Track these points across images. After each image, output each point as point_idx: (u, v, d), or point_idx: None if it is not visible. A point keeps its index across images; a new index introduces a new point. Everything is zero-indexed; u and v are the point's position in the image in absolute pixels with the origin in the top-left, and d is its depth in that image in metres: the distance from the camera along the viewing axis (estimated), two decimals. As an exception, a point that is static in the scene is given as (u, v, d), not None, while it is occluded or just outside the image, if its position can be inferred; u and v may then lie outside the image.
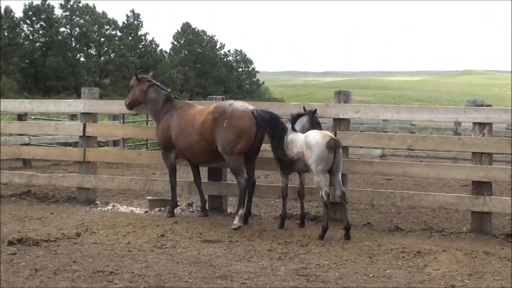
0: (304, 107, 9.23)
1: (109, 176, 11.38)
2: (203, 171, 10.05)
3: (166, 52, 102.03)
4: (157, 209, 10.34)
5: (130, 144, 23.29)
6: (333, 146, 7.92)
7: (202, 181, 9.90)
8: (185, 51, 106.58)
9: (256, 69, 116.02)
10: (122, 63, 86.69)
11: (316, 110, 9.00)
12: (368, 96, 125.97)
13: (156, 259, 6.90)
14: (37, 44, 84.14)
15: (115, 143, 21.32)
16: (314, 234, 8.24)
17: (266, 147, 9.38)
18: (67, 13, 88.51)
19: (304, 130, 8.63)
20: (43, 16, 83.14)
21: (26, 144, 17.18)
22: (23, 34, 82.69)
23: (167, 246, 7.54)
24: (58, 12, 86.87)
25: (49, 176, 11.58)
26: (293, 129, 8.73)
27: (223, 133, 8.69)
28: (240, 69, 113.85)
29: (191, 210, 10.44)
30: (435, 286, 6.08)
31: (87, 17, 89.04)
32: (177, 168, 9.96)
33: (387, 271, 6.54)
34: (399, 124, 25.47)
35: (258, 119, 8.65)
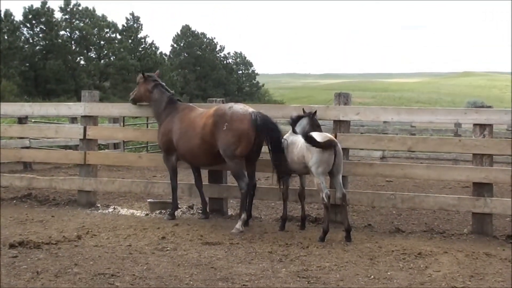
0: (303, 109, 9.23)
1: (109, 179, 11.38)
2: (203, 174, 10.05)
3: (166, 54, 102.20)
4: (157, 211, 10.34)
5: (130, 146, 23.27)
6: (328, 145, 7.91)
7: (202, 183, 9.90)
8: (185, 54, 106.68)
9: (256, 72, 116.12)
10: (122, 66, 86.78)
11: (316, 112, 9.01)
12: (368, 98, 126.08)
13: (157, 261, 6.90)
14: (37, 47, 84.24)
15: (116, 146, 21.31)
16: (314, 236, 8.24)
17: (266, 149, 9.37)
18: (66, 16, 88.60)
19: (304, 132, 8.62)
20: (43, 19, 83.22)
21: (27, 147, 17.18)
22: (23, 37, 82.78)
23: (168, 248, 7.54)
24: (57, 15, 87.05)
25: (49, 179, 11.59)
26: (294, 131, 8.73)
27: (223, 136, 8.69)
28: (240, 72, 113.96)
29: (191, 212, 10.44)
30: (436, 288, 6.09)
31: (87, 20, 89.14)
32: (178, 171, 9.96)
33: (388, 273, 6.54)
34: (399, 126, 25.47)
35: (257, 122, 8.64)
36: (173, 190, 9.79)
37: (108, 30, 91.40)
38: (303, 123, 8.85)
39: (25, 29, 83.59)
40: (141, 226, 8.90)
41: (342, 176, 8.40)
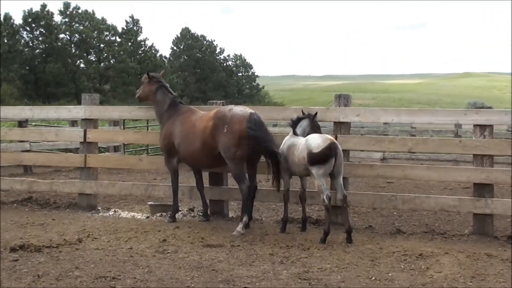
0: (302, 110, 9.22)
1: (110, 182, 11.38)
2: (204, 176, 10.05)
3: (165, 57, 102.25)
4: (158, 214, 10.34)
5: (131, 149, 23.27)
6: (330, 152, 7.92)
7: (204, 186, 9.91)
8: (185, 56, 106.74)
9: (256, 74, 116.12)
10: (122, 69, 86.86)
11: (316, 113, 9.00)
12: (368, 99, 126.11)
13: (158, 264, 6.90)
14: (37, 50, 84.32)
15: (116, 148, 21.31)
16: (315, 237, 8.23)
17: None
18: (66, 20, 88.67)
19: (305, 134, 8.63)
20: (43, 22, 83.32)
21: (27, 151, 17.17)
22: (22, 41, 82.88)
23: (169, 251, 7.54)
24: (57, 18, 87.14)
25: (50, 182, 11.59)
26: (294, 133, 8.73)
27: (223, 139, 8.69)
28: (240, 74, 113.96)
29: (192, 215, 10.44)
30: (438, 289, 6.08)
31: (87, 23, 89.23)
32: (178, 173, 9.96)
33: (389, 274, 6.54)
34: (399, 127, 25.49)
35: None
36: (174, 192, 9.79)
37: (107, 33, 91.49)
38: (304, 124, 8.85)
39: (24, 32, 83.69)
40: (142, 228, 8.90)
41: (343, 178, 8.39)
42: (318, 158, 7.89)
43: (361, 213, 10.78)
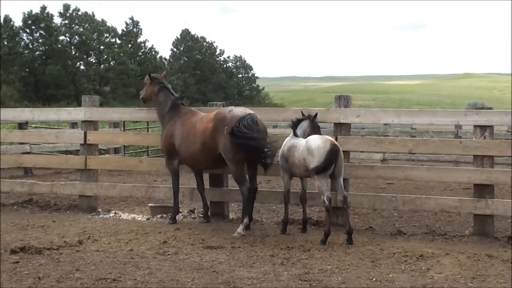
0: (302, 111, 9.22)
1: (110, 184, 11.39)
2: (204, 177, 10.05)
3: (165, 59, 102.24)
4: (159, 216, 10.34)
5: (131, 151, 23.28)
6: (332, 154, 7.92)
7: (204, 187, 9.91)
8: (185, 58, 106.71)
9: (256, 75, 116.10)
10: (122, 71, 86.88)
11: (316, 114, 8.99)
12: (369, 100, 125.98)
13: (158, 266, 6.90)
14: (37, 52, 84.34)
15: (116, 150, 21.32)
16: (316, 239, 8.23)
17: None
18: (66, 22, 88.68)
19: (305, 135, 8.62)
20: (43, 24, 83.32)
21: (27, 153, 17.20)
22: (22, 43, 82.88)
23: (170, 252, 7.54)
24: (57, 20, 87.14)
25: (50, 184, 11.59)
26: (295, 135, 8.73)
27: (224, 140, 8.69)
28: (240, 75, 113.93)
29: (193, 216, 10.44)
30: (439, 290, 6.08)
31: (87, 25, 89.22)
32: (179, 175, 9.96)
33: (390, 275, 6.54)
34: (399, 128, 25.47)
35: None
36: (174, 194, 9.79)
37: (107, 35, 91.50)
38: (304, 126, 8.84)
39: (24, 34, 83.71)
40: (142, 230, 8.90)
41: (343, 179, 8.39)
42: (322, 167, 7.90)
43: (361, 214, 10.78)
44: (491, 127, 8.80)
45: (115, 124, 21.27)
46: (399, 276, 6.50)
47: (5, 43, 75.43)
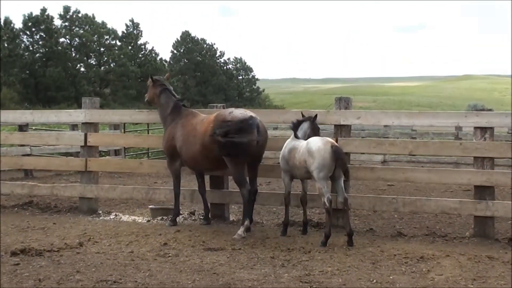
0: (302, 113, 9.22)
1: (111, 186, 11.38)
2: (205, 179, 10.05)
3: (166, 61, 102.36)
4: (159, 217, 10.35)
5: (131, 153, 23.28)
6: (336, 156, 7.93)
7: (206, 189, 9.91)
8: (185, 60, 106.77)
9: (256, 77, 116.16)
10: (122, 73, 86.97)
11: (316, 116, 8.99)
12: (369, 102, 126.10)
13: (159, 267, 6.90)
14: (37, 54, 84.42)
15: (117, 152, 21.32)
16: (316, 240, 8.22)
17: (267, 154, 9.37)
18: (66, 24, 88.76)
19: (305, 137, 8.62)
20: (43, 26, 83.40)
21: (28, 155, 17.19)
22: (23, 45, 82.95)
23: (170, 254, 7.54)
24: (57, 22, 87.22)
25: (51, 186, 11.59)
26: (296, 136, 8.72)
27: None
28: (240, 77, 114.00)
29: (193, 218, 10.44)
30: (439, 291, 6.08)
31: (87, 27, 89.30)
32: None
33: (391, 277, 6.53)
34: (400, 130, 25.47)
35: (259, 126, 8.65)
36: (175, 196, 9.78)
37: (108, 36, 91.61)
38: (304, 127, 8.83)
39: (25, 36, 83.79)
40: (142, 232, 8.89)
41: (344, 181, 8.38)
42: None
43: (362, 216, 10.78)
44: (491, 128, 8.80)
45: (115, 126, 21.27)
46: (399, 278, 6.50)
47: (6, 45, 75.53)
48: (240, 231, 8.59)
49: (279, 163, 8.94)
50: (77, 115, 11.27)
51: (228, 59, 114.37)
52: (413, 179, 9.46)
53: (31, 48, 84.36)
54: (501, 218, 9.32)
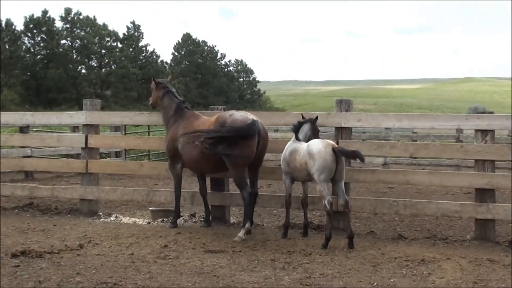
0: (302, 114, 9.20)
1: (111, 187, 11.37)
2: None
3: (167, 63, 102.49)
4: (159, 219, 10.34)
5: (132, 155, 23.29)
6: (338, 155, 7.94)
7: (207, 192, 9.91)
8: (186, 62, 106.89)
9: (257, 79, 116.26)
10: (123, 75, 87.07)
11: (317, 117, 8.98)
12: (370, 104, 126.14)
13: (159, 270, 6.89)
14: (38, 56, 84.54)
15: (117, 154, 21.32)
16: (317, 243, 8.22)
17: (268, 157, 9.36)
18: (67, 25, 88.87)
19: (306, 139, 8.61)
20: (44, 28, 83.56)
21: (28, 157, 17.19)
22: (24, 46, 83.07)
23: (170, 256, 7.53)
24: (58, 24, 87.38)
25: (51, 188, 11.58)
26: (297, 138, 8.71)
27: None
28: (241, 79, 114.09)
29: (194, 220, 10.43)
30: (440, 294, 6.06)
31: (88, 29, 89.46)
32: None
33: (391, 280, 6.52)
34: (400, 132, 25.47)
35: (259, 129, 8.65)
36: (176, 198, 9.77)
37: (109, 38, 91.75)
38: (305, 129, 8.82)
39: (26, 38, 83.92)
40: (143, 234, 8.89)
41: (345, 183, 8.37)
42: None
43: (362, 219, 10.77)
44: (492, 131, 8.80)
45: (116, 128, 21.27)
46: (400, 281, 6.48)
47: (7, 47, 75.69)
48: (241, 233, 8.59)
49: (280, 165, 8.93)
50: (78, 117, 11.27)
51: (229, 61, 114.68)
52: (414, 181, 9.45)
53: (32, 50, 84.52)
54: (502, 221, 9.31)
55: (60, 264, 7.11)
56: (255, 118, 8.81)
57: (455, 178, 9.23)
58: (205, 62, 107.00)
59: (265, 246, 8.16)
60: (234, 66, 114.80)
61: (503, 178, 8.80)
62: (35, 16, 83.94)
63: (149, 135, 23.55)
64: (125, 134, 20.89)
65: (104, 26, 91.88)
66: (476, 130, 8.89)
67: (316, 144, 8.06)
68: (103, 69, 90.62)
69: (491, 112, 9.53)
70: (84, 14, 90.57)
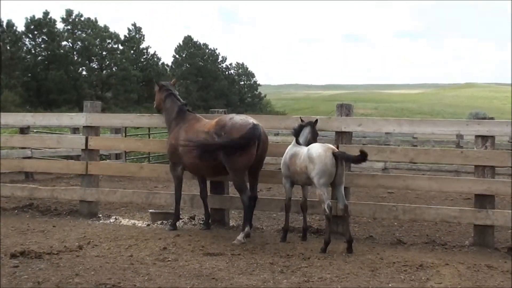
0: (301, 118, 9.18)
1: (111, 189, 11.39)
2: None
3: (168, 65, 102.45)
4: (159, 222, 10.34)
5: (132, 157, 23.29)
6: (339, 159, 7.96)
7: (207, 195, 9.91)
8: (187, 65, 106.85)
9: (258, 82, 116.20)
10: (124, 77, 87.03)
11: (317, 121, 8.98)
12: (370, 109, 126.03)
13: (158, 272, 6.89)
14: (39, 58, 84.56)
15: (117, 156, 21.33)
16: (316, 247, 8.22)
17: (269, 160, 9.36)
18: (69, 27, 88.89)
19: (306, 143, 8.61)
20: (45, 30, 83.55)
21: (29, 158, 17.20)
22: (25, 48, 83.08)
23: (169, 259, 7.53)
24: (59, 26, 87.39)
25: (51, 189, 11.59)
26: (297, 142, 8.71)
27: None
28: (242, 82, 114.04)
29: (193, 223, 10.44)
30: (438, 300, 6.07)
31: (89, 30, 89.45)
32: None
33: (390, 285, 6.53)
34: (401, 137, 25.47)
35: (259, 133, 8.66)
36: (176, 200, 9.78)
37: (110, 40, 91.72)
38: (305, 133, 8.82)
39: (27, 39, 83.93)
40: (142, 236, 8.89)
41: (344, 187, 8.38)
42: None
43: (361, 223, 10.77)
44: (492, 137, 8.80)
45: (116, 130, 21.28)
46: (398, 286, 6.49)
47: (8, 48, 75.67)
48: (240, 236, 8.59)
49: (280, 169, 8.94)
50: (78, 119, 11.28)
51: (230, 64, 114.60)
52: (414, 187, 9.45)
53: (33, 51, 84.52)
54: (501, 227, 9.31)
55: (59, 265, 7.11)
56: (255, 122, 8.81)
57: (454, 183, 9.24)
58: (206, 65, 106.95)
59: (264, 250, 8.16)
60: (235, 69, 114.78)
61: (503, 184, 8.80)
62: (36, 17, 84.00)
63: (149, 137, 23.57)
64: (125, 136, 20.90)
65: (105, 28, 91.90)
66: (477, 136, 8.89)
67: (316, 148, 8.07)
68: (104, 71, 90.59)
69: (492, 118, 9.54)
70: (85, 16, 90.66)
